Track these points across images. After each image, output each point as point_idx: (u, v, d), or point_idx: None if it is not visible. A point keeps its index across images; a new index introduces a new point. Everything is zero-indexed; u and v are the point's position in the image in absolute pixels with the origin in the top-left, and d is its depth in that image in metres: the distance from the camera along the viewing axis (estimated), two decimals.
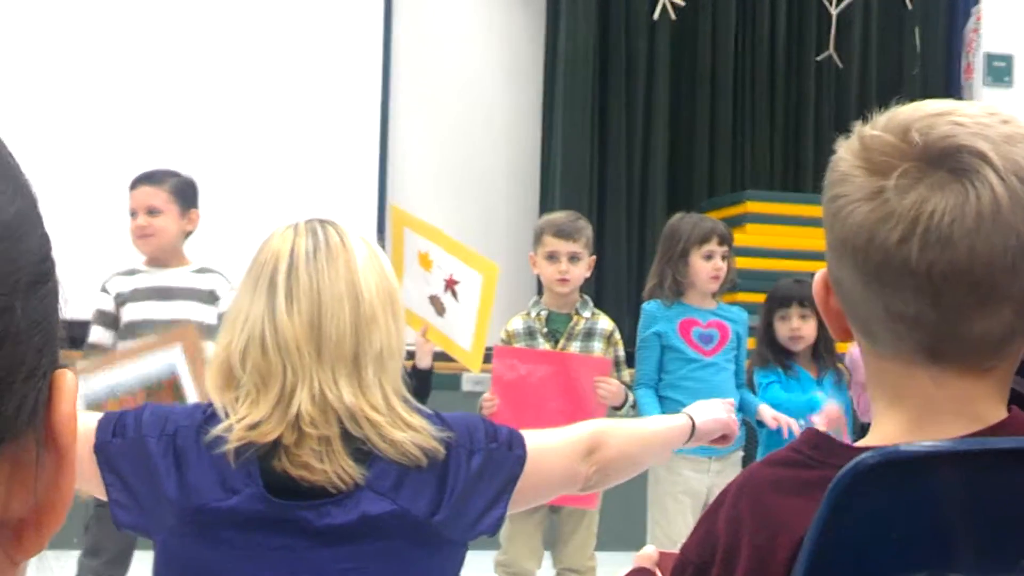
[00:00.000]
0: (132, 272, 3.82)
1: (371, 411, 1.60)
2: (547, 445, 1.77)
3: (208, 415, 1.62)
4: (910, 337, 0.97)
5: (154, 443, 1.59)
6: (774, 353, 4.34)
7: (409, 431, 1.61)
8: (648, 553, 1.26)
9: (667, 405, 4.31)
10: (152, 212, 3.82)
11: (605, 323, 4.13)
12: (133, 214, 3.82)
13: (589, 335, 4.10)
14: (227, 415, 1.60)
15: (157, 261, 3.83)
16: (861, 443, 0.99)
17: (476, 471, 1.65)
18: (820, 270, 1.06)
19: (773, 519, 0.99)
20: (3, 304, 0.47)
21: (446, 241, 4.10)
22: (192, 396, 3.45)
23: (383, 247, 1.86)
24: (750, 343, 4.47)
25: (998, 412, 1.00)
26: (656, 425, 1.98)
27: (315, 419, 1.58)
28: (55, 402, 0.51)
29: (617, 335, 4.14)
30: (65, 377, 0.51)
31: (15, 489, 0.50)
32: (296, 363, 1.60)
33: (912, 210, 0.93)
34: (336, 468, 1.57)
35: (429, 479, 1.61)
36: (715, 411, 2.06)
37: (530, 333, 4.11)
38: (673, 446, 1.97)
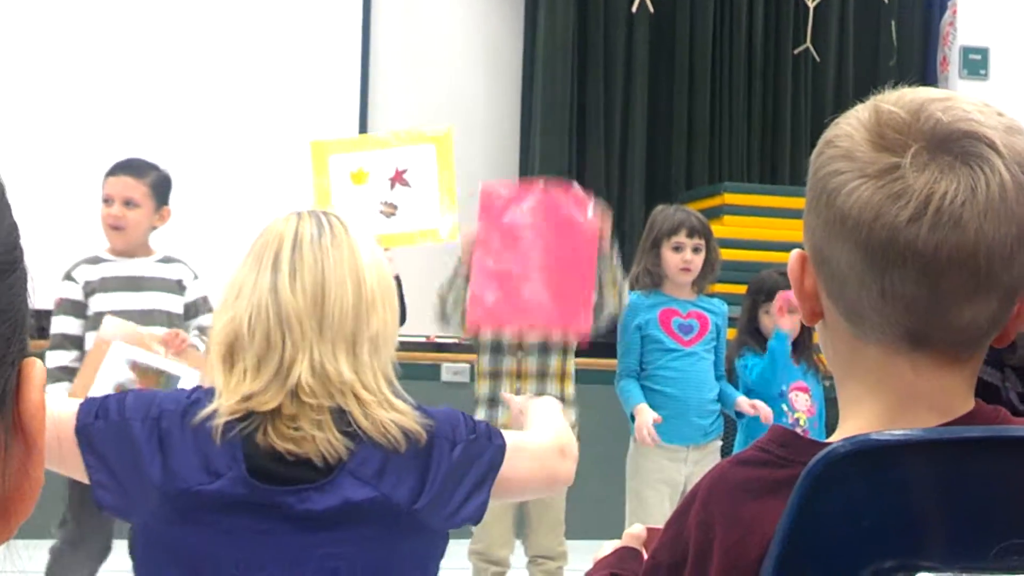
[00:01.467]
0: (97, 260, 3.77)
1: (363, 390, 1.62)
2: (525, 443, 1.80)
3: (193, 400, 1.63)
4: (899, 321, 0.96)
5: (138, 426, 1.60)
6: (758, 344, 4.36)
7: (393, 412, 1.63)
8: (636, 532, 1.25)
9: (648, 395, 4.33)
10: (129, 204, 3.77)
11: None
12: (108, 201, 3.76)
13: None
14: (221, 393, 1.62)
15: (123, 250, 3.80)
16: (833, 438, 0.98)
17: (457, 461, 1.66)
18: (796, 249, 1.05)
19: (743, 520, 0.99)
20: None
21: (380, 141, 4.06)
22: (161, 363, 3.44)
23: None
24: (730, 334, 4.49)
25: (967, 403, 1.00)
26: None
27: (314, 390, 1.60)
28: (23, 390, 0.51)
29: None
30: (34, 366, 0.51)
31: None
32: (297, 336, 1.62)
33: (925, 189, 0.93)
34: (327, 437, 1.59)
35: (411, 467, 1.63)
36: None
37: None
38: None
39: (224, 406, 1.59)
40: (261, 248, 1.68)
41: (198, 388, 1.67)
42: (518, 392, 4.07)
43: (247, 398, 1.59)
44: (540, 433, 1.86)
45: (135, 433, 1.59)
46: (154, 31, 6.48)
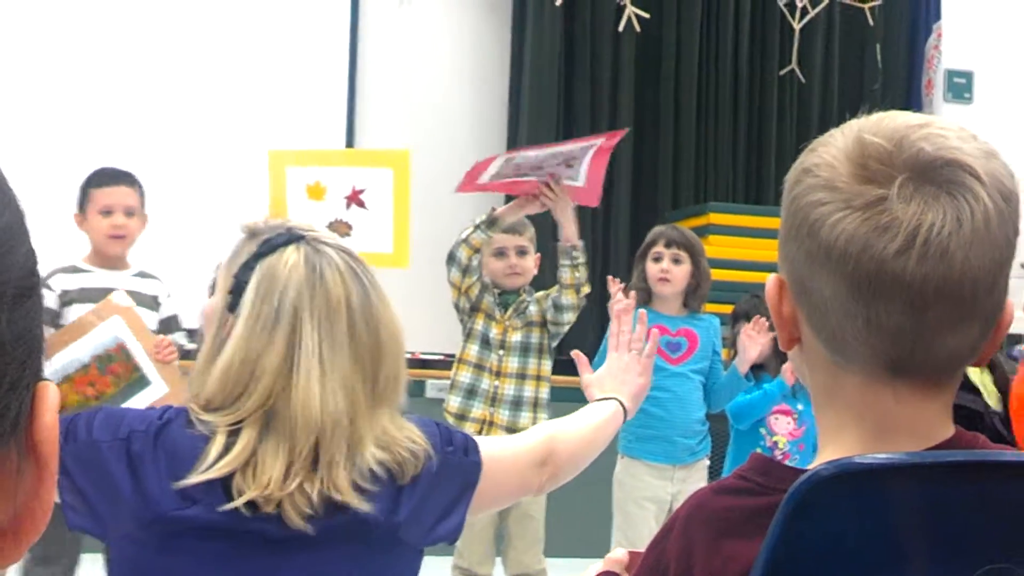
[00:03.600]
0: (75, 270, 3.75)
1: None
2: (502, 453, 1.77)
3: (165, 420, 1.59)
4: (883, 351, 0.96)
5: (106, 447, 1.56)
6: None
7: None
8: (618, 557, 1.25)
9: (636, 415, 4.31)
10: (129, 212, 3.80)
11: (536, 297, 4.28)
12: (108, 211, 3.77)
13: (527, 307, 4.22)
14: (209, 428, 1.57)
15: (104, 261, 3.79)
16: (812, 466, 0.97)
17: (433, 476, 1.64)
18: (772, 274, 1.04)
19: (723, 549, 0.99)
20: None
21: (339, 157, 4.05)
22: (143, 358, 3.43)
23: None
24: (725, 354, 4.48)
25: (947, 429, 1.01)
26: (596, 419, 1.97)
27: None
28: (37, 413, 0.51)
29: (544, 293, 4.27)
30: (47, 389, 0.52)
31: None
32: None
33: (913, 221, 0.92)
34: (298, 504, 1.56)
35: (386, 490, 1.60)
36: (628, 381, 2.08)
37: (488, 289, 4.22)
38: (612, 435, 1.99)
39: (224, 470, 1.55)
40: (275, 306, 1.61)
41: (169, 408, 1.62)
42: (495, 390, 4.12)
43: (264, 484, 1.55)
44: (528, 438, 1.84)
45: (104, 455, 1.55)
46: (141, 44, 6.47)
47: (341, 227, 3.91)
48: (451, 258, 4.13)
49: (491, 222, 4.06)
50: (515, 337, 4.18)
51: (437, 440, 1.66)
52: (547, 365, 4.24)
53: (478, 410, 4.14)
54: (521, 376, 4.16)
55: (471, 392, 4.16)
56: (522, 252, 4.20)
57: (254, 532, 1.56)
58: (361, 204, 3.89)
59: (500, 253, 4.20)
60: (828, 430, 1.03)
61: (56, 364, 3.31)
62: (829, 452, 1.01)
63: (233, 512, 1.54)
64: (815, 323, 1.00)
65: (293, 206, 3.89)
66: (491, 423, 4.12)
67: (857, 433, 1.00)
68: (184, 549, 1.56)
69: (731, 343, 4.44)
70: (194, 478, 1.53)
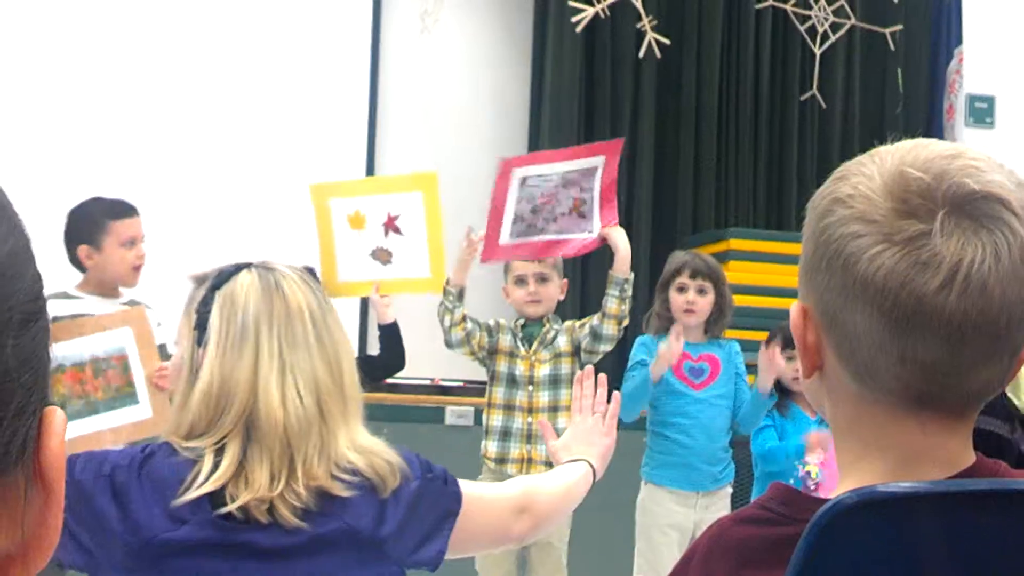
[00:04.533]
0: (66, 296, 3.75)
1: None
2: (480, 493, 1.84)
3: (148, 453, 1.64)
4: (915, 385, 0.96)
5: (90, 484, 1.60)
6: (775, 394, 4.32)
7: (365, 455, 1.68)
8: None
9: (658, 441, 4.32)
10: (143, 242, 3.88)
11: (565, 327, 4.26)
12: (133, 243, 3.82)
13: (556, 336, 4.21)
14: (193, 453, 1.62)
15: (97, 288, 3.81)
16: (835, 493, 0.96)
17: (414, 495, 1.70)
18: (795, 302, 1.03)
19: None
20: None
21: (372, 185, 4.07)
22: (139, 377, 3.44)
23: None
24: (749, 379, 4.46)
25: (969, 456, 1.00)
26: (569, 477, 2.04)
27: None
28: (44, 439, 0.51)
29: (573, 322, 4.26)
30: (54, 414, 0.52)
31: (3, 525, 0.50)
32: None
33: (954, 256, 0.92)
34: (289, 501, 1.62)
35: (371, 500, 1.66)
36: (595, 442, 2.13)
37: (501, 328, 4.23)
38: (583, 494, 2.05)
39: (215, 485, 1.61)
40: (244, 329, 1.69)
41: (150, 444, 1.68)
42: (529, 427, 4.10)
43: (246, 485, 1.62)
44: (506, 487, 1.91)
45: (88, 490, 1.60)
46: (160, 68, 6.50)
47: (382, 255, 3.93)
48: (448, 345, 4.15)
49: (458, 295, 4.06)
50: (543, 371, 4.16)
51: (416, 466, 1.73)
52: None
53: (516, 450, 4.12)
54: (554, 409, 4.14)
55: (505, 434, 4.14)
56: (542, 279, 4.16)
57: (245, 544, 1.60)
58: (397, 230, 3.91)
59: (520, 281, 4.18)
60: (849, 459, 1.03)
61: (56, 351, 3.31)
62: (852, 481, 1.00)
63: (223, 525, 1.59)
64: (843, 353, 0.99)
65: (339, 236, 3.92)
66: (530, 460, 4.10)
67: (880, 462, 1.00)
68: (177, 569, 1.59)
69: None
70: (189, 495, 1.58)
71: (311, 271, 1.82)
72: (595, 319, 4.13)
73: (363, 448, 1.68)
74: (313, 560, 1.63)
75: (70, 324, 3.46)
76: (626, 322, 4.15)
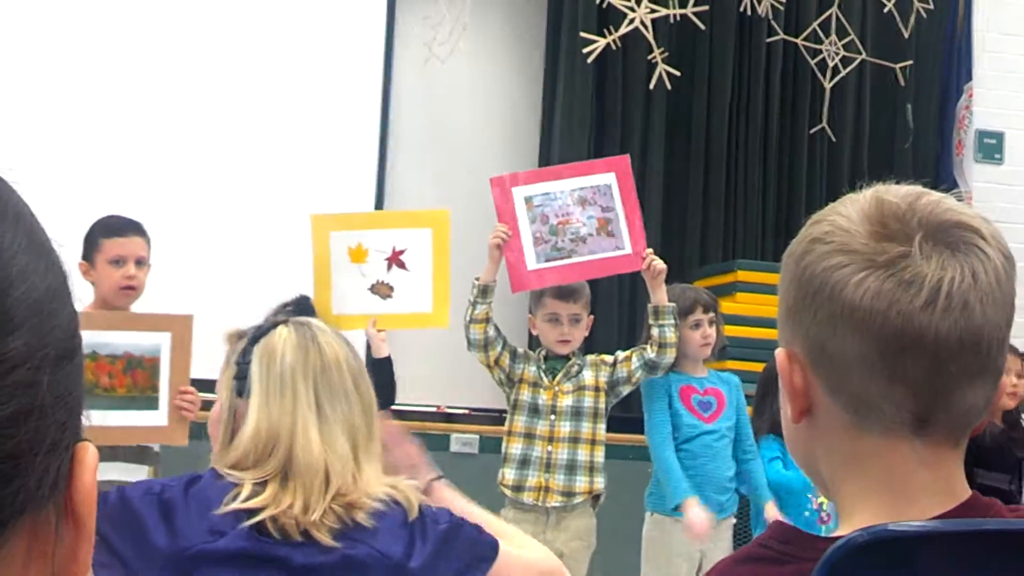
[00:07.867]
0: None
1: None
2: (519, 551, 1.87)
3: (195, 476, 1.74)
4: (907, 406, 0.97)
5: (138, 501, 1.68)
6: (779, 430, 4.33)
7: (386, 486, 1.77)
8: None
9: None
10: (139, 263, 3.73)
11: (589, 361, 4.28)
12: (119, 263, 3.70)
13: (580, 371, 4.23)
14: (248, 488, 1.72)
15: (102, 307, 3.71)
16: (835, 534, 0.97)
17: (444, 533, 1.75)
18: (779, 348, 1.04)
19: None
20: (30, 379, 0.48)
21: (380, 219, 4.07)
22: (164, 382, 3.43)
23: None
24: (749, 411, 4.50)
25: (964, 488, 1.02)
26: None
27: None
28: (76, 475, 0.51)
29: (600, 356, 4.28)
30: (87, 450, 0.52)
31: (34, 561, 0.50)
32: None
33: (935, 275, 0.95)
34: (326, 523, 1.71)
35: (401, 532, 1.72)
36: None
37: (527, 358, 4.25)
38: None
39: (256, 504, 1.70)
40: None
41: (196, 472, 1.78)
42: (549, 455, 4.11)
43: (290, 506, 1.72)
44: (530, 550, 1.93)
45: (135, 507, 1.68)
46: (174, 100, 6.53)
47: (382, 289, 3.94)
48: (469, 344, 4.14)
49: (483, 291, 4.07)
50: (566, 401, 4.17)
51: (447, 513, 1.80)
52: (601, 429, 4.22)
53: (533, 478, 4.13)
54: (574, 440, 4.15)
55: (524, 462, 4.15)
56: (575, 320, 4.21)
57: (279, 559, 1.66)
58: (402, 265, 3.92)
59: (554, 319, 4.20)
60: (850, 497, 1.03)
61: (94, 338, 3.31)
62: (857, 520, 1.01)
63: (259, 540, 1.66)
64: (834, 386, 1.00)
65: (336, 269, 3.92)
66: (547, 488, 4.10)
67: (880, 498, 1.01)
68: None
69: (766, 401, 4.44)
70: (230, 506, 1.68)
71: (306, 299, 1.92)
72: (650, 352, 4.16)
73: (390, 481, 1.78)
74: None
75: (112, 316, 3.46)
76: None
